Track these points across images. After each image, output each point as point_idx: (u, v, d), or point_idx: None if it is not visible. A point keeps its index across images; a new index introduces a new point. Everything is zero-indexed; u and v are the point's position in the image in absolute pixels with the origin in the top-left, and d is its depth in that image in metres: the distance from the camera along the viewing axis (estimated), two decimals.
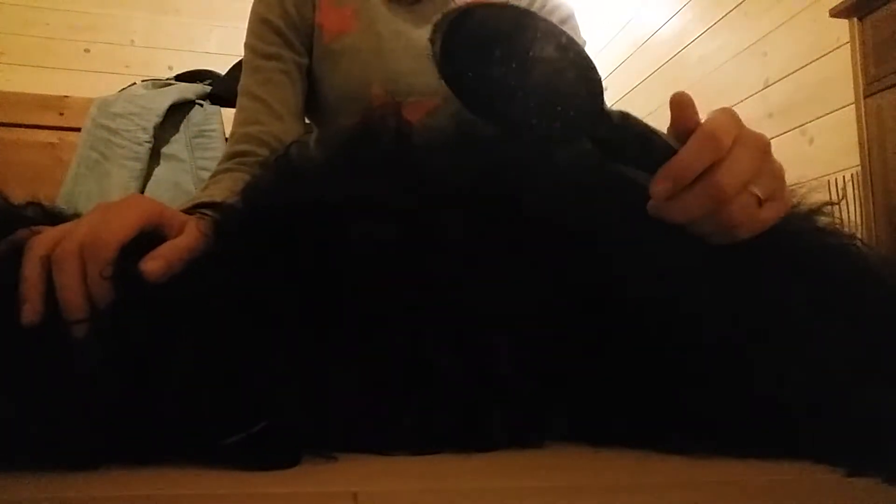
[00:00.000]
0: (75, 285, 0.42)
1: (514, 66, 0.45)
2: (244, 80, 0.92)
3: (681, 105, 0.47)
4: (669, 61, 2.62)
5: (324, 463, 0.40)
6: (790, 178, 0.50)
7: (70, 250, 0.42)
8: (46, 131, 1.95)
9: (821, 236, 0.55)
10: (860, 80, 1.67)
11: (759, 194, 0.46)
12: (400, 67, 0.93)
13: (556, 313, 0.47)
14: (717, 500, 0.34)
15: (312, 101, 0.97)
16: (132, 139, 1.89)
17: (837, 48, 1.79)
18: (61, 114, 1.97)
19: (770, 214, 0.47)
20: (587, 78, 0.47)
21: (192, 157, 1.94)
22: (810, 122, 1.88)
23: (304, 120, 0.97)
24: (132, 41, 2.99)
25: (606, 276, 0.47)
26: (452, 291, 0.45)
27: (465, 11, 0.46)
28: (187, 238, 0.46)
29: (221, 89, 2.11)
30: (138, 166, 1.88)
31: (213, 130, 1.98)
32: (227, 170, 0.84)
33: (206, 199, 0.64)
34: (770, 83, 2.04)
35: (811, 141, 1.87)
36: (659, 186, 0.45)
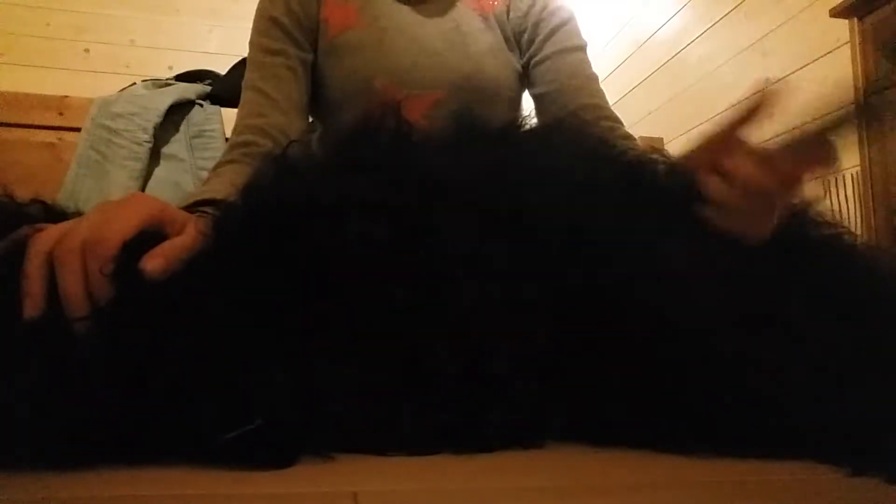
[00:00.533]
0: (77, 282, 0.42)
1: None
2: (249, 75, 0.94)
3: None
4: (669, 61, 2.61)
5: (324, 463, 0.40)
6: None
7: (72, 247, 0.43)
8: (46, 131, 1.95)
9: (821, 236, 0.55)
10: (860, 80, 1.67)
11: None
12: (403, 62, 0.94)
13: (556, 313, 0.47)
14: (717, 500, 0.34)
15: (316, 98, 0.98)
16: (132, 139, 1.89)
17: (837, 48, 1.79)
18: (61, 114, 1.96)
19: None
20: None
21: (192, 157, 1.94)
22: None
23: (307, 115, 0.98)
24: (132, 41, 2.99)
25: (606, 274, 0.47)
26: (451, 291, 0.45)
27: None
28: (187, 237, 0.46)
29: (221, 89, 2.10)
30: (138, 166, 1.87)
31: (213, 130, 1.98)
32: (230, 161, 0.85)
33: (206, 196, 0.65)
34: (770, 83, 2.04)
35: None
36: None
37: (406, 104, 0.90)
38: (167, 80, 2.18)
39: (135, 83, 2.13)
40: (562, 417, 0.47)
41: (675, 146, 2.21)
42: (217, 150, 1.92)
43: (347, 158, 0.55)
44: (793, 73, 1.96)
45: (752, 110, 0.52)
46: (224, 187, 0.69)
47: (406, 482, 0.37)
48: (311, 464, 0.39)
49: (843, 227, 0.57)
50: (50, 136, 1.95)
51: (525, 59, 1.02)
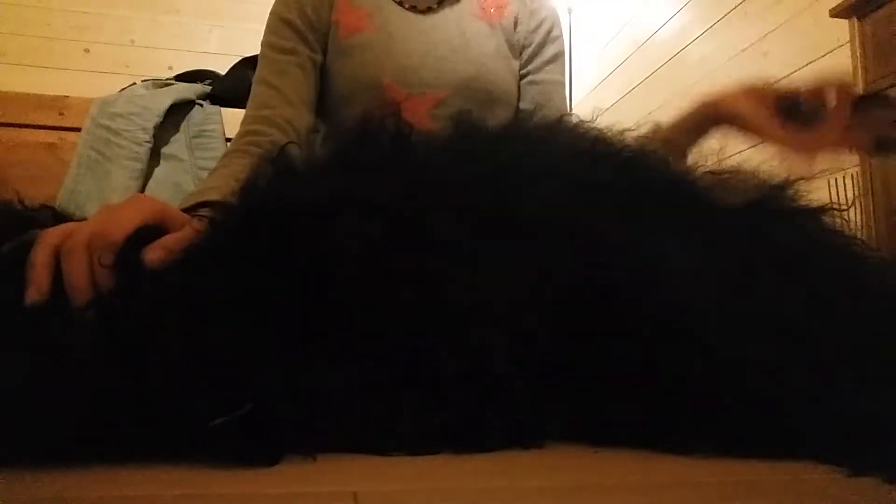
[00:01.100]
0: (82, 273, 0.44)
1: None
2: (259, 72, 0.98)
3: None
4: (669, 61, 2.62)
5: (324, 463, 0.40)
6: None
7: (79, 241, 0.45)
8: (46, 131, 1.95)
9: (821, 236, 0.55)
10: (860, 80, 1.67)
11: None
12: (410, 63, 0.99)
13: (556, 312, 0.47)
14: (718, 500, 0.34)
15: (323, 97, 1.02)
16: (132, 139, 1.89)
17: (837, 48, 1.79)
18: (61, 114, 1.96)
19: None
20: None
21: (192, 157, 1.94)
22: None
23: (314, 110, 1.02)
24: (132, 41, 2.99)
25: (605, 274, 0.47)
26: (451, 290, 0.45)
27: None
28: (187, 231, 0.48)
29: (221, 89, 2.11)
30: (138, 166, 1.88)
31: (213, 130, 1.99)
32: (236, 151, 0.89)
33: (205, 197, 0.69)
34: (770, 83, 2.04)
35: None
36: None
37: (412, 102, 0.96)
38: (167, 80, 2.18)
39: (135, 83, 2.14)
40: (562, 417, 0.47)
41: None
42: (217, 150, 1.92)
43: (347, 159, 0.55)
44: (793, 73, 1.96)
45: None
46: (225, 183, 0.72)
47: (406, 482, 0.37)
48: (311, 464, 0.39)
49: (843, 226, 0.57)
50: (50, 136, 1.95)
51: (522, 71, 1.09)
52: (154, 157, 1.93)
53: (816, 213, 0.56)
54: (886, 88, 1.58)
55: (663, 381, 0.45)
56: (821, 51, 1.86)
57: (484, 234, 0.48)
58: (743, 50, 2.18)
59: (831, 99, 0.63)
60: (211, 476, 0.37)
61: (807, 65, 1.92)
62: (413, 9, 1.02)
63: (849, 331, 0.46)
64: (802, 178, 0.58)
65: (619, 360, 0.46)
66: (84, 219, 0.51)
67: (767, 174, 0.59)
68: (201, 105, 2.03)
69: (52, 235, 0.46)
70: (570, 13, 3.05)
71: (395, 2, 1.02)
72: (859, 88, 1.67)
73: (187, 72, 2.28)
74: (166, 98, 1.97)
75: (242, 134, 0.92)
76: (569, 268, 0.48)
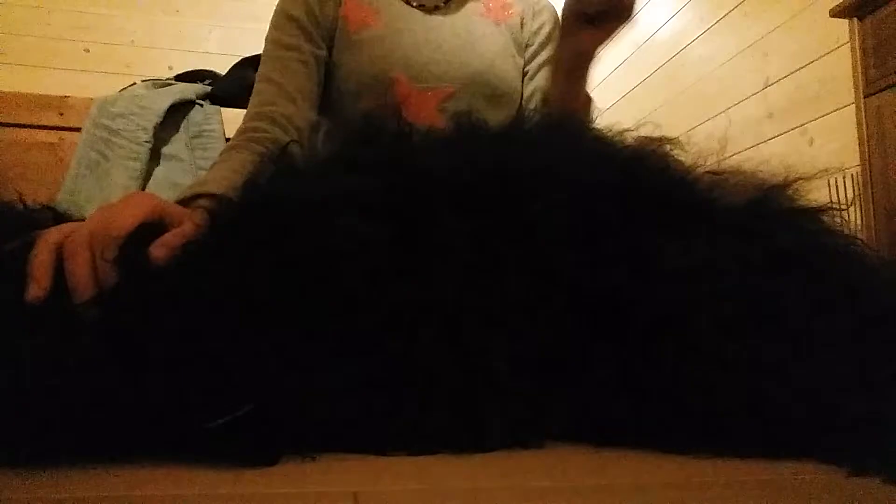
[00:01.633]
0: (85, 270, 0.45)
1: None
2: (262, 69, 0.98)
3: None
4: (669, 61, 2.61)
5: (324, 463, 0.40)
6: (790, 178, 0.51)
7: (80, 239, 0.46)
8: (46, 131, 1.95)
9: (822, 236, 0.55)
10: (860, 80, 1.67)
11: None
12: (419, 58, 0.99)
13: (556, 312, 0.47)
14: (717, 500, 0.34)
15: (328, 92, 1.02)
16: (132, 139, 1.89)
17: (837, 48, 1.79)
18: (61, 114, 1.96)
19: None
20: None
21: (192, 157, 1.94)
22: (810, 122, 1.88)
23: (317, 106, 1.02)
24: (132, 41, 2.99)
25: (605, 274, 0.47)
26: (450, 290, 0.45)
27: None
28: (187, 227, 0.49)
29: (221, 89, 2.11)
30: (138, 166, 1.88)
31: (213, 130, 1.99)
32: (236, 146, 0.89)
33: (202, 189, 0.69)
34: (770, 83, 2.04)
35: (811, 141, 1.87)
36: None
37: (422, 97, 0.97)
38: (167, 80, 2.18)
39: (135, 83, 2.14)
40: (562, 417, 0.47)
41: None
42: (217, 150, 1.92)
43: (347, 157, 0.55)
44: (793, 73, 1.96)
45: None
46: (223, 177, 0.73)
47: (406, 482, 0.37)
48: (311, 464, 0.39)
49: (843, 226, 0.57)
50: (50, 136, 1.95)
51: (523, 70, 1.10)
52: (154, 157, 1.93)
53: (816, 213, 0.56)
54: (886, 88, 1.58)
55: (663, 381, 0.45)
56: (820, 51, 1.86)
57: (484, 234, 0.48)
58: (743, 50, 2.18)
59: None
60: (211, 476, 0.37)
61: (807, 65, 1.92)
62: (421, 7, 1.04)
63: (848, 331, 0.46)
64: (802, 178, 0.58)
65: (619, 359, 0.46)
66: (84, 219, 0.51)
67: (767, 174, 0.59)
68: (201, 105, 2.03)
69: (53, 234, 0.46)
70: None
71: (404, 0, 1.03)
72: (859, 88, 1.67)
73: (187, 72, 2.28)
74: (166, 98, 1.97)
75: (243, 130, 0.92)
76: (569, 267, 0.48)
